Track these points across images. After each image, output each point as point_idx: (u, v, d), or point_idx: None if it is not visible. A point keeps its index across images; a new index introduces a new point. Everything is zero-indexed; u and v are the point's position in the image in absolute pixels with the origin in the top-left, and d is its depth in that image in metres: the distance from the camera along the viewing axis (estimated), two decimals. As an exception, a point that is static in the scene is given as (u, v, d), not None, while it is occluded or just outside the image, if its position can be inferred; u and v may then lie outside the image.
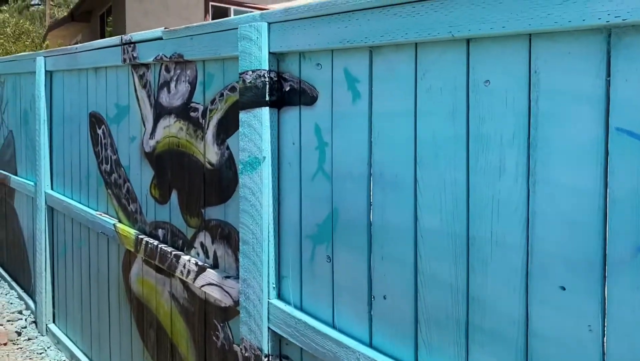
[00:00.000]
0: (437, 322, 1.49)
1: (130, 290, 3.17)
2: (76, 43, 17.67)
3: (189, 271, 2.52)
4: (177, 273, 2.60)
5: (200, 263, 2.47)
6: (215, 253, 2.42)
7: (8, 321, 4.53)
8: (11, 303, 4.94)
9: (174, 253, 2.64)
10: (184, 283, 2.65)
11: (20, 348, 4.13)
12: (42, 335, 4.35)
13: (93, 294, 3.66)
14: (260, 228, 2.01)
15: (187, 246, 2.63)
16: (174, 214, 2.72)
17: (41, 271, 4.34)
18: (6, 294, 5.15)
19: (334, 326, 1.81)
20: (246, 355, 2.10)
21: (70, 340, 4.03)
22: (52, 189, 4.30)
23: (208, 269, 2.40)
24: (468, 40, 1.40)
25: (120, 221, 3.25)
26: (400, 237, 1.58)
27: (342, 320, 1.78)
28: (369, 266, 1.69)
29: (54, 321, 4.37)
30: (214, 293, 2.35)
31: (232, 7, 14.84)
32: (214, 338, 2.45)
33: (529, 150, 1.28)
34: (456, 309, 1.44)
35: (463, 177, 1.42)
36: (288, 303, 1.99)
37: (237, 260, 2.28)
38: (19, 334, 4.31)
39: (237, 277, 2.27)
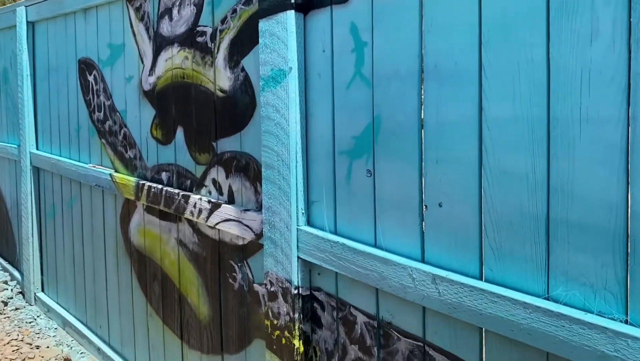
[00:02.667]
0: (508, 223, 1.32)
1: (129, 244, 2.95)
2: None
3: (200, 211, 2.31)
4: (186, 215, 2.40)
5: (213, 200, 2.27)
6: (230, 188, 2.22)
7: (-7, 291, 4.27)
8: (-5, 275, 4.66)
9: (181, 193, 2.43)
10: (193, 226, 2.44)
11: (8, 317, 3.87)
12: (31, 305, 4.10)
13: (87, 256, 3.42)
14: (287, 148, 1.82)
15: (196, 185, 2.41)
16: (179, 154, 2.51)
17: (28, 237, 4.07)
18: (-11, 267, 4.87)
19: (376, 247, 1.63)
20: (272, 290, 1.91)
21: (62, 307, 3.79)
22: (37, 149, 4.02)
23: (223, 205, 2.20)
24: None
25: (117, 171, 3.01)
26: (460, 134, 1.40)
27: (387, 238, 1.60)
28: (420, 173, 1.50)
29: (42, 290, 4.11)
30: (231, 230, 2.15)
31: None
32: (230, 280, 2.25)
33: (630, 4, 1.11)
34: (533, 204, 1.27)
35: (542, 53, 1.24)
36: (321, 228, 1.80)
37: (256, 192, 2.08)
38: (5, 304, 4.05)
39: (257, 209, 2.07)
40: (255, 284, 2.13)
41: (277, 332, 1.90)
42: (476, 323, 1.35)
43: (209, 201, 2.26)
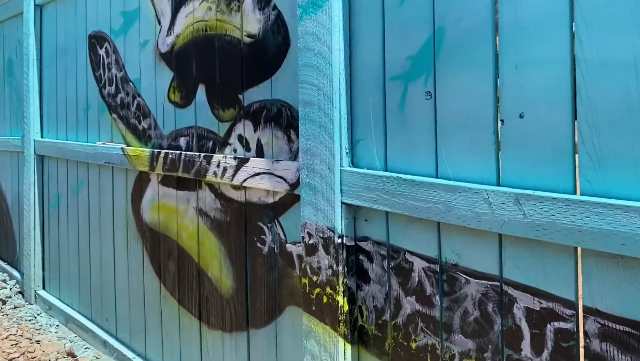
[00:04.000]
0: (611, 123, 1.11)
1: (141, 223, 2.72)
2: None
3: (224, 170, 2.10)
4: (208, 177, 2.18)
5: (239, 156, 2.06)
6: (258, 141, 2.01)
7: (-10, 290, 4.01)
8: (-7, 276, 4.40)
9: (202, 155, 2.22)
10: (215, 191, 2.23)
11: (6, 315, 3.61)
12: (31, 303, 3.83)
13: (94, 245, 3.19)
14: (330, 80, 1.62)
15: (219, 145, 2.21)
16: (200, 115, 2.31)
17: (29, 231, 3.84)
18: (-14, 269, 4.61)
19: (437, 177, 1.42)
20: (310, 242, 1.69)
21: (65, 304, 3.53)
22: (42, 137, 3.83)
23: (252, 159, 1.99)
24: None
25: (129, 145, 2.81)
26: (545, 30, 1.21)
27: (453, 164, 1.38)
28: (495, 84, 1.30)
29: (44, 287, 3.86)
30: (261, 184, 1.93)
31: None
32: (258, 245, 2.02)
33: None
34: (645, 92, 1.07)
35: None
36: (369, 167, 1.59)
37: (289, 140, 1.88)
38: (4, 303, 3.79)
39: (291, 158, 1.86)
40: (288, 245, 1.90)
41: (317, 290, 1.67)
42: (573, 243, 1.13)
43: (235, 158, 2.05)
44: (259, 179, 1.94)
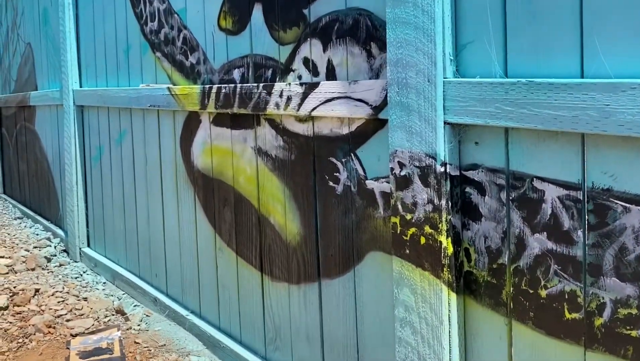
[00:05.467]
0: None
1: (192, 169, 2.48)
2: None
3: (288, 99, 1.82)
4: (269, 110, 1.90)
5: (307, 81, 1.77)
6: (329, 62, 1.72)
7: (35, 247, 3.89)
8: (37, 235, 4.29)
9: (262, 85, 1.94)
10: (277, 126, 1.95)
11: (52, 272, 3.48)
12: (76, 261, 3.69)
13: (140, 197, 2.98)
14: (428, -31, 1.30)
15: (280, 73, 1.92)
16: (257, 40, 2.02)
17: (72, 186, 3.67)
18: (30, 227, 4.51)
19: (582, 77, 1.10)
20: (402, 174, 1.40)
21: (111, 261, 3.36)
22: (80, 86, 3.62)
23: (323, 82, 1.69)
24: None
25: (175, 84, 2.55)
26: None
27: (611, 59, 1.06)
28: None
29: (88, 245, 3.71)
30: (336, 111, 1.64)
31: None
32: (330, 184, 1.75)
33: None
34: None
35: None
36: (483, 75, 1.28)
37: (370, 56, 1.57)
38: (49, 260, 3.66)
39: (372, 77, 1.56)
40: (368, 181, 1.62)
41: (412, 230, 1.39)
42: None
43: (302, 84, 1.76)
44: (332, 106, 1.65)
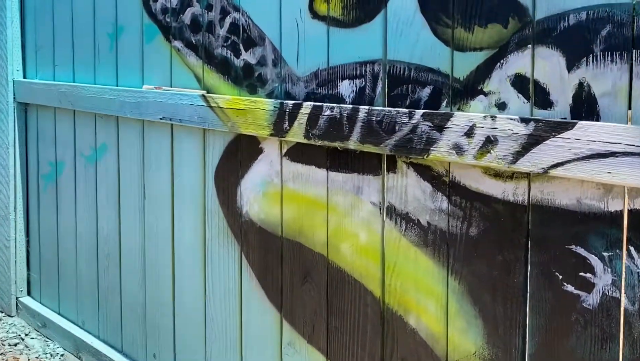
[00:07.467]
0: None
1: (238, 218, 1.69)
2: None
3: (488, 141, 1.10)
4: (438, 153, 1.18)
5: (526, 115, 1.07)
6: (580, 90, 1.03)
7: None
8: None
9: (422, 112, 1.21)
10: (436, 177, 1.23)
11: (-22, 336, 2.48)
12: (10, 316, 2.71)
13: (129, 241, 2.11)
14: None
15: (453, 94, 1.20)
16: (398, 37, 1.28)
17: (7, 213, 2.68)
18: None
19: None
20: None
21: (72, 323, 2.44)
22: (24, 77, 2.64)
23: (583, 122, 1.00)
24: None
25: (209, 91, 1.74)
26: None
27: None
28: None
29: (29, 293, 2.74)
30: (614, 175, 0.96)
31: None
32: (569, 288, 1.06)
33: None
34: None
35: None
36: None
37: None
38: (-30, 314, 2.64)
39: None
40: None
41: None
42: None
43: (525, 120, 1.06)
44: (603, 165, 0.97)
